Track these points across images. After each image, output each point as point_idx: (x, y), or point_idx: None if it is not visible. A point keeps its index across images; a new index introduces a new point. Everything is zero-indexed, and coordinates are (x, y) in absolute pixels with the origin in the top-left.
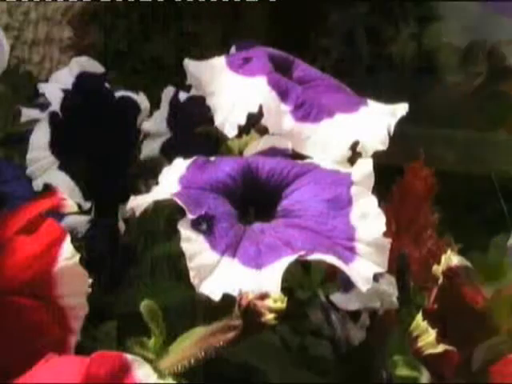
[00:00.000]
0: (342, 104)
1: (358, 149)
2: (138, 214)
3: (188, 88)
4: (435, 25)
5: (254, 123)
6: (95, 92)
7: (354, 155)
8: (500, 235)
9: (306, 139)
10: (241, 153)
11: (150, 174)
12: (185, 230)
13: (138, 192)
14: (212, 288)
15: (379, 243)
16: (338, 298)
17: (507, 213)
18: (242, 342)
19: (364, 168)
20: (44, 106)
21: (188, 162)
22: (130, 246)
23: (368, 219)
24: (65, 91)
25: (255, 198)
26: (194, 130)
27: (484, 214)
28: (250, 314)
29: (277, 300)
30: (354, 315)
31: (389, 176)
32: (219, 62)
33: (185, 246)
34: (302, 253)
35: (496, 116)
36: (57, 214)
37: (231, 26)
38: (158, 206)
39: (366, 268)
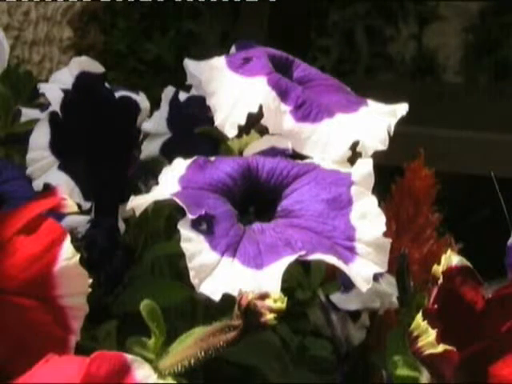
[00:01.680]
0: (341, 104)
1: (358, 149)
2: (137, 214)
3: (188, 88)
4: (435, 25)
5: (254, 123)
6: (95, 92)
7: (354, 155)
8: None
9: (306, 139)
10: (241, 153)
11: (149, 174)
12: (185, 230)
13: (138, 192)
14: (212, 288)
15: (379, 243)
16: (337, 298)
17: (507, 213)
18: (242, 342)
19: (364, 168)
20: (44, 106)
21: (188, 161)
22: (129, 245)
23: (368, 219)
24: (65, 91)
25: (255, 198)
26: (194, 130)
27: (484, 214)
28: (250, 314)
29: (277, 300)
30: (354, 315)
31: (389, 176)
32: (219, 61)
33: (185, 246)
34: (302, 253)
35: None
36: (57, 214)
37: (231, 26)
38: (158, 206)
39: (366, 268)
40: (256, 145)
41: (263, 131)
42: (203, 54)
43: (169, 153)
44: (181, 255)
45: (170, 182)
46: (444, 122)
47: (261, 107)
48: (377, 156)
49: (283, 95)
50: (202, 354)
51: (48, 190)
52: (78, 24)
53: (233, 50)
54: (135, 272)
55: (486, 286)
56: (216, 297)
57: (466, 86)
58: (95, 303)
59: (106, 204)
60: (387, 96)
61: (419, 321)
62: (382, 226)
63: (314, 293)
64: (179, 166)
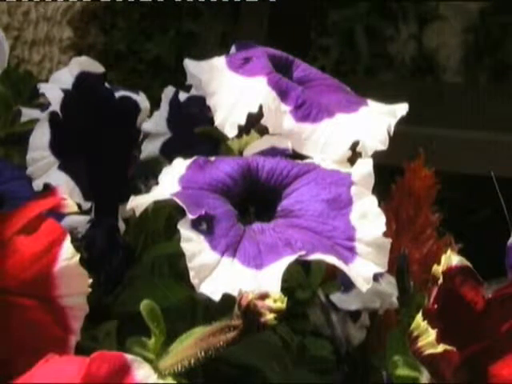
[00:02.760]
0: (341, 104)
1: (358, 149)
2: (137, 214)
3: (188, 88)
4: (435, 25)
5: (254, 123)
6: (95, 92)
7: (354, 155)
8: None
9: (306, 139)
10: (241, 153)
11: (149, 174)
12: (185, 230)
13: (138, 192)
14: (212, 288)
15: (379, 243)
16: (337, 297)
17: (507, 213)
18: (242, 342)
19: (364, 168)
20: (44, 106)
21: (188, 161)
22: (129, 245)
23: (368, 219)
24: (65, 91)
25: (255, 198)
26: (194, 130)
27: (483, 215)
28: (250, 313)
29: (277, 300)
30: (354, 315)
31: (389, 176)
32: (219, 61)
33: (185, 246)
34: (302, 253)
35: None
36: (57, 214)
37: (231, 26)
38: (158, 205)
39: (366, 268)
40: (256, 145)
41: (263, 131)
42: (203, 54)
43: (169, 153)
44: (181, 255)
45: (170, 182)
46: (444, 122)
47: (261, 107)
48: (377, 156)
49: (283, 95)
50: (202, 354)
51: (48, 190)
52: (78, 24)
53: (233, 50)
54: (135, 272)
55: (486, 286)
56: (216, 297)
57: (466, 86)
58: (95, 303)
59: (106, 204)
60: (387, 96)
61: (419, 321)
62: (382, 226)
63: (314, 293)
64: (179, 166)
